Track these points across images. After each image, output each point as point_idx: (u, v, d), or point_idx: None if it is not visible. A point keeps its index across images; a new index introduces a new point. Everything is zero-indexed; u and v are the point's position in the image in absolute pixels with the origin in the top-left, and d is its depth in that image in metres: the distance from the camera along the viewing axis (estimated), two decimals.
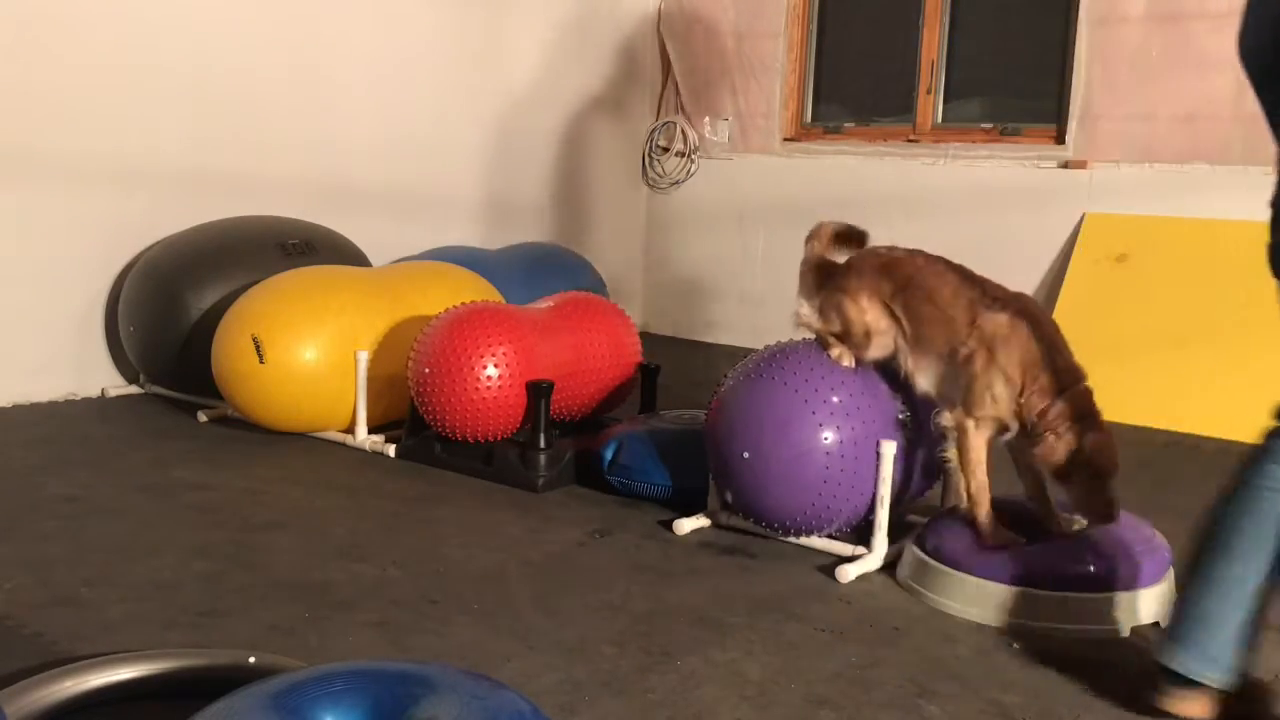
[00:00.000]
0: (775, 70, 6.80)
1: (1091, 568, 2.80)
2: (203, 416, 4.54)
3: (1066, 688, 2.47)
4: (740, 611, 2.82)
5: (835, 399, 3.07)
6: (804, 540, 3.24)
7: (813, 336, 3.26)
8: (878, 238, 6.93)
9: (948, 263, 3.18)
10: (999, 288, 3.08)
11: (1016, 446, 2.96)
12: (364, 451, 4.21)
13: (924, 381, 3.06)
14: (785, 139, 6.81)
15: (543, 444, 3.79)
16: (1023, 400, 2.84)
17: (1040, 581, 2.78)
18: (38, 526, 3.25)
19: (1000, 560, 2.84)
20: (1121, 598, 2.78)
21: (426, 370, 3.86)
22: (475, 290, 4.59)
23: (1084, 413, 2.83)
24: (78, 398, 4.87)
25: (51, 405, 4.74)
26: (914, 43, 6.34)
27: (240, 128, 5.25)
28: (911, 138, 6.37)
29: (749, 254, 6.93)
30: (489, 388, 3.80)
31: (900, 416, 3.17)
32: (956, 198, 6.14)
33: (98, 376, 4.96)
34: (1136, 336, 5.29)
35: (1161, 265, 5.40)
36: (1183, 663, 2.24)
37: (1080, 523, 2.94)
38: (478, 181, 6.33)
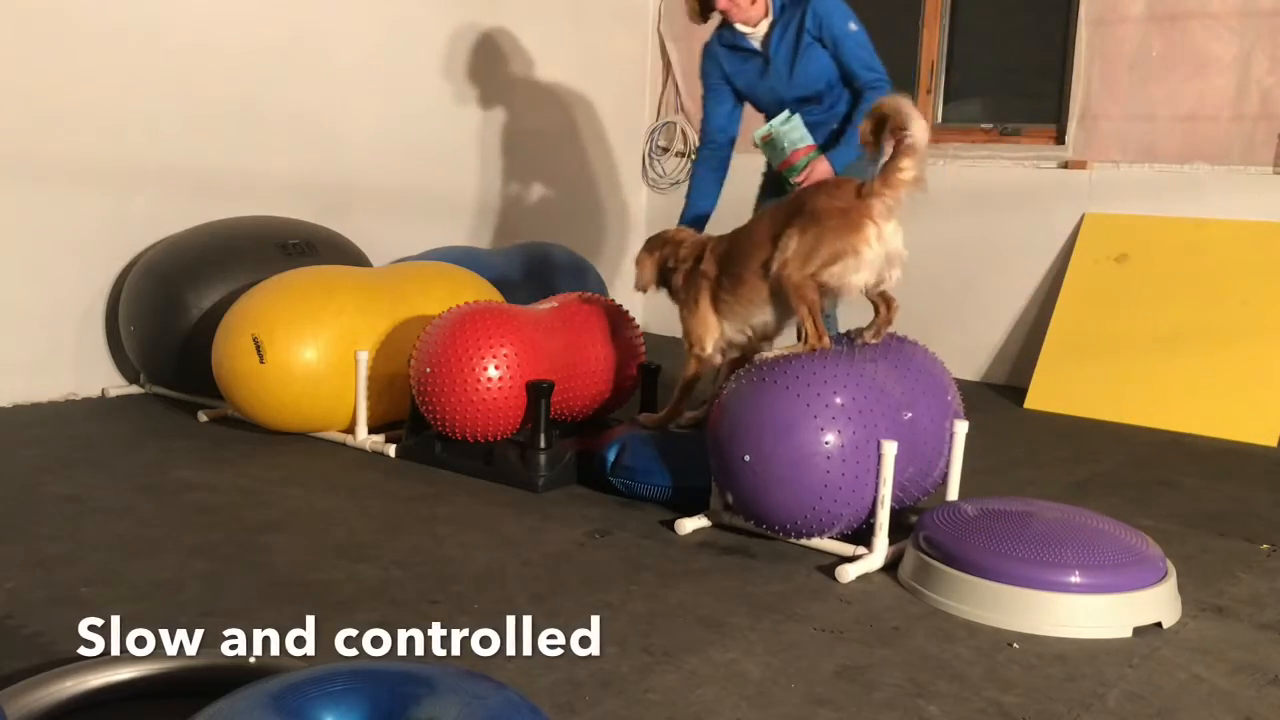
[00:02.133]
0: None
1: (1092, 569, 2.80)
2: (203, 416, 4.54)
3: (1066, 688, 2.47)
4: (740, 611, 2.82)
5: (838, 401, 3.06)
6: (805, 541, 3.24)
7: None
8: None
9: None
10: None
11: None
12: (364, 451, 4.21)
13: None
14: None
15: (543, 444, 3.79)
16: None
17: (1040, 582, 2.78)
18: (38, 526, 3.24)
19: (1001, 561, 2.84)
20: (1121, 599, 2.78)
21: (428, 370, 3.86)
22: (475, 290, 4.59)
23: None
24: (78, 398, 4.87)
25: (51, 405, 4.74)
26: (914, 43, 6.34)
27: (240, 128, 5.24)
28: None
29: None
30: (490, 388, 3.80)
31: (904, 417, 3.17)
32: (956, 198, 6.13)
33: (98, 376, 4.96)
34: (1136, 336, 5.29)
35: (1161, 265, 5.40)
36: None
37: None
38: (478, 181, 6.33)
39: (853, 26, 4.00)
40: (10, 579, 2.83)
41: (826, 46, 4.00)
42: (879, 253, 3.25)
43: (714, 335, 3.62)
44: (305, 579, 2.93)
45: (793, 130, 3.85)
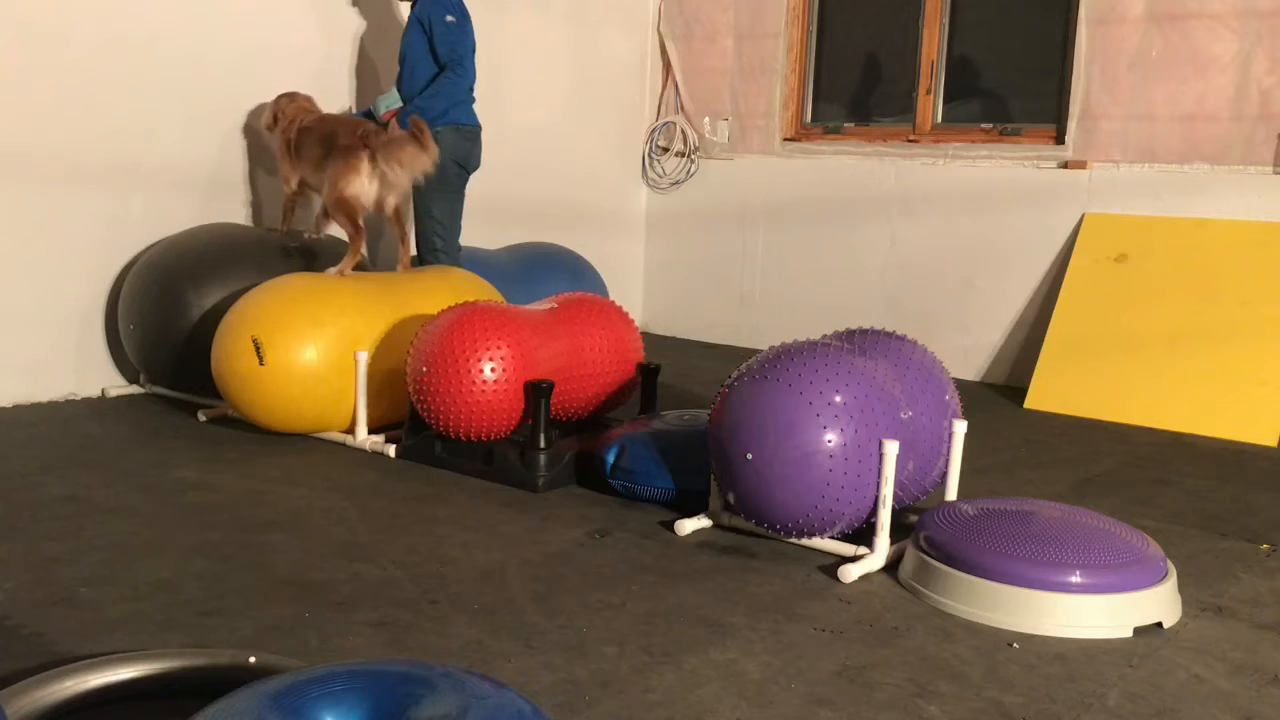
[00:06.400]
0: (775, 70, 6.80)
1: (1092, 569, 2.80)
2: (203, 416, 4.54)
3: (1066, 688, 2.47)
4: (740, 611, 2.82)
5: (839, 399, 3.06)
6: (805, 540, 3.24)
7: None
8: (877, 237, 6.96)
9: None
10: None
11: None
12: (364, 452, 4.21)
13: None
14: (785, 139, 6.81)
15: (543, 444, 3.79)
16: None
17: (1040, 582, 2.78)
18: (38, 526, 3.25)
19: (1001, 561, 2.84)
20: (1122, 599, 2.78)
21: (424, 369, 3.85)
22: (475, 290, 4.59)
23: None
24: (78, 398, 4.87)
25: (51, 405, 4.75)
26: (914, 43, 6.35)
27: (240, 128, 5.26)
28: (911, 138, 6.37)
29: (749, 254, 6.93)
30: (486, 389, 3.80)
31: (904, 416, 3.17)
32: (956, 198, 6.14)
33: (98, 376, 4.97)
34: (1136, 336, 5.29)
35: (1161, 265, 5.40)
36: None
37: None
38: (478, 181, 6.32)
39: (449, 19, 5.02)
40: (10, 579, 2.84)
41: (425, 30, 5.02)
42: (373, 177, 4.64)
43: (295, 175, 4.90)
44: (305, 579, 2.93)
45: (388, 99, 5.11)
